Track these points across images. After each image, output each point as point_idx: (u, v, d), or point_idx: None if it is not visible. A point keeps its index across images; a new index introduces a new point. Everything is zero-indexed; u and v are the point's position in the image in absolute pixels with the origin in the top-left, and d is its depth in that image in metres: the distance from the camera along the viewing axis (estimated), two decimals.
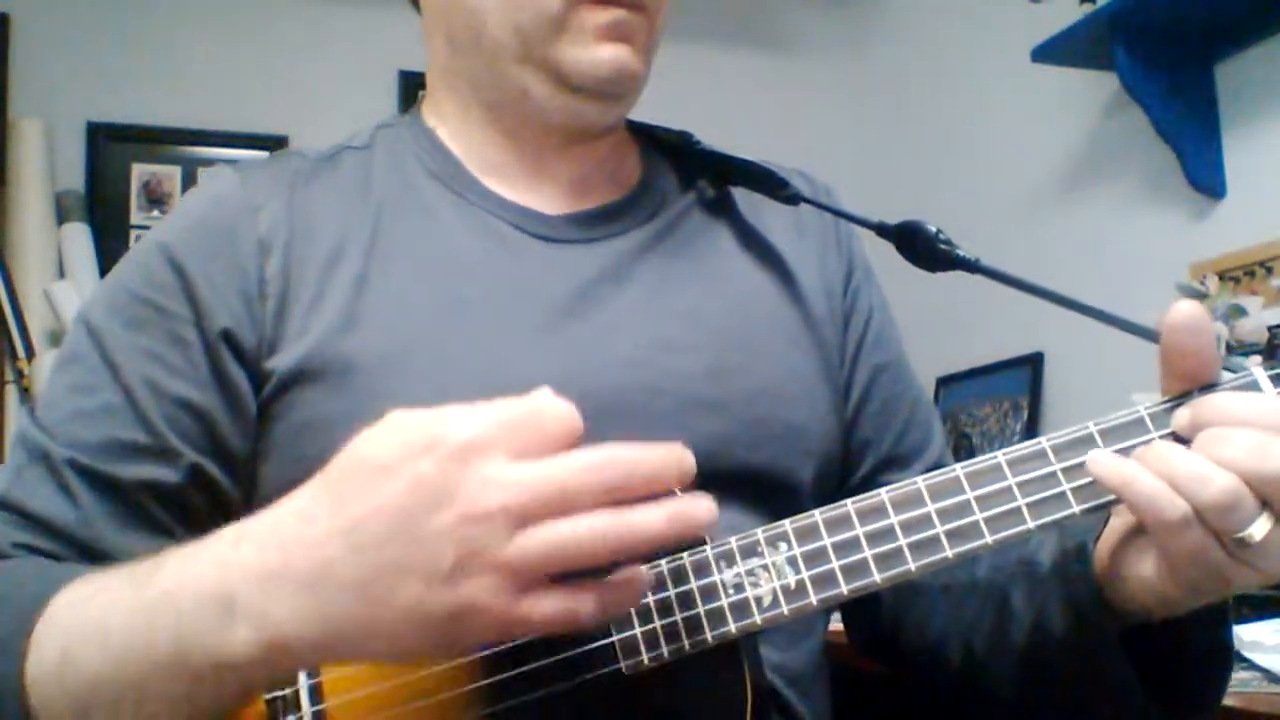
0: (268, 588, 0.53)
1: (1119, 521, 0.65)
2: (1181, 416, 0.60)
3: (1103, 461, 0.59)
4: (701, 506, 0.53)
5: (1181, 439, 0.59)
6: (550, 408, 0.54)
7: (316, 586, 0.52)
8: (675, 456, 0.54)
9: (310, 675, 0.63)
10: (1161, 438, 0.60)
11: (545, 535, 0.51)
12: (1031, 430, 2.13)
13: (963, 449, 2.24)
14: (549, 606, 0.52)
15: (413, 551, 0.51)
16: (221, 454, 0.73)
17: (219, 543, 0.57)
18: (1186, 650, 0.66)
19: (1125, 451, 0.60)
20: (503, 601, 0.51)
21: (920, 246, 0.80)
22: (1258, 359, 1.55)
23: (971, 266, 0.78)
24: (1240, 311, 1.62)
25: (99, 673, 0.57)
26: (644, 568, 0.65)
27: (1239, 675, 1.06)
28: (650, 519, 0.52)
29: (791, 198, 0.85)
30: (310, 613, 0.52)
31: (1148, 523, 0.58)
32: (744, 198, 0.88)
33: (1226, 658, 0.68)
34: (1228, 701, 0.92)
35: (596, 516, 0.52)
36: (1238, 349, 1.59)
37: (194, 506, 0.73)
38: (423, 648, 0.54)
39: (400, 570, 0.51)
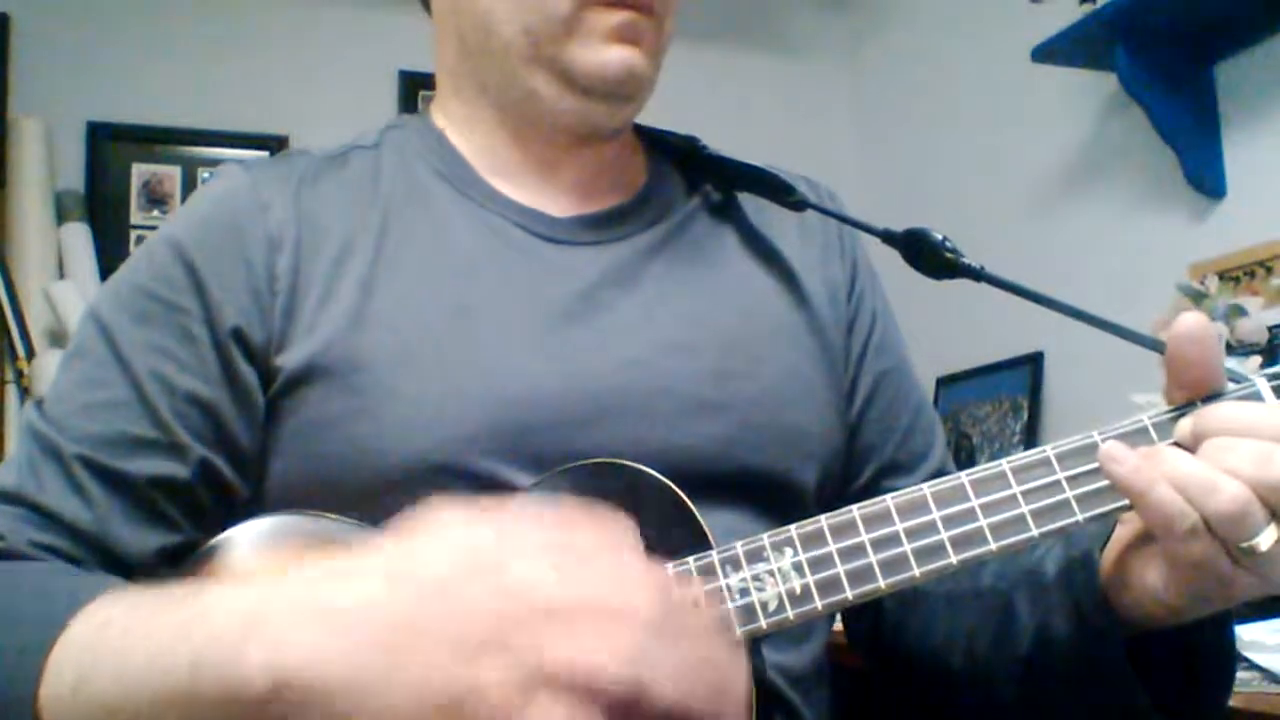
0: (296, 616, 0.51)
1: (1124, 530, 0.65)
2: (1184, 426, 0.60)
3: (1125, 461, 0.58)
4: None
5: (1184, 449, 0.60)
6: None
7: (344, 626, 0.50)
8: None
9: None
10: (1166, 445, 0.60)
11: (578, 645, 0.47)
12: (1032, 430, 2.13)
13: (963, 449, 2.24)
14: (555, 717, 0.47)
15: (448, 618, 0.48)
16: (230, 450, 0.73)
17: (268, 573, 0.56)
18: (1189, 656, 0.66)
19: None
20: (511, 697, 0.47)
21: (926, 254, 0.80)
22: (1258, 359, 1.55)
23: (977, 275, 0.78)
24: (1240, 311, 1.62)
25: (113, 701, 0.56)
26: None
27: (1239, 675, 1.06)
28: (676, 688, 0.48)
29: (796, 203, 0.86)
30: (328, 650, 0.50)
31: (1158, 530, 0.58)
32: (749, 203, 0.88)
33: (1230, 663, 0.68)
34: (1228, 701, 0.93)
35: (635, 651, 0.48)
36: (1238, 349, 1.60)
37: (204, 503, 0.73)
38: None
39: (430, 633, 0.48)
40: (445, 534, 0.52)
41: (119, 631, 0.57)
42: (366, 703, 0.48)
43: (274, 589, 0.54)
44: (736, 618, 0.63)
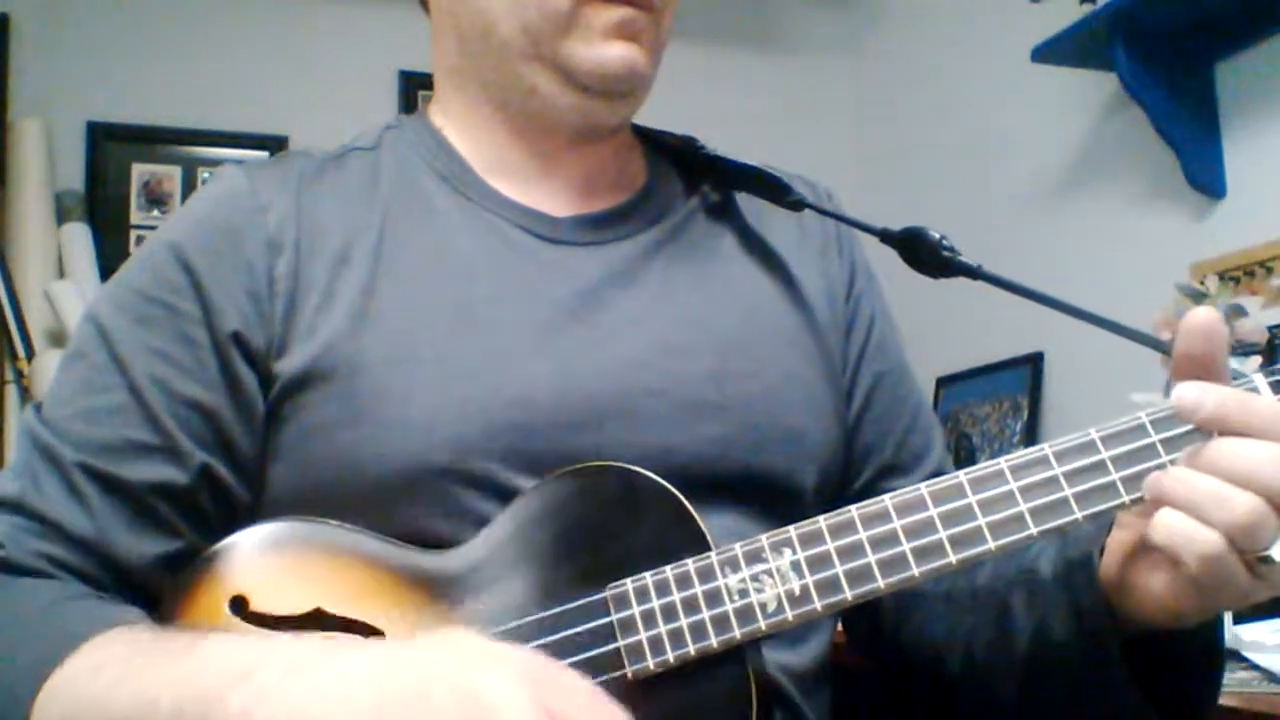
0: (283, 675, 0.55)
1: (1124, 534, 0.65)
2: (1204, 407, 0.58)
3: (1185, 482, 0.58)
4: None
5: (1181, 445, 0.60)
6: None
7: (326, 692, 0.54)
8: None
9: None
10: (1162, 442, 0.60)
11: None
12: (1031, 430, 2.13)
13: (963, 449, 2.24)
14: None
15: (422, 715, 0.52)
16: (230, 455, 0.73)
17: (279, 637, 0.61)
18: (1181, 655, 0.67)
19: (1132, 462, 0.60)
20: None
21: (923, 253, 0.80)
22: (1258, 359, 1.55)
23: (975, 273, 0.78)
24: (1240, 311, 1.62)
25: None
26: (648, 574, 0.65)
27: (1239, 675, 1.07)
28: None
29: (795, 203, 0.85)
30: (307, 711, 0.54)
31: (1179, 554, 0.58)
32: (747, 203, 0.88)
33: (1220, 661, 0.68)
34: (1228, 702, 0.93)
35: None
36: (1238, 349, 1.59)
37: (204, 509, 0.73)
38: None
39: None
40: (458, 651, 0.55)
41: (111, 679, 0.60)
42: None
43: (269, 651, 0.57)
44: (736, 619, 0.63)
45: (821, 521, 0.64)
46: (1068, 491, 0.61)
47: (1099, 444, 0.61)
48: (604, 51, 0.76)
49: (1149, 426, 0.61)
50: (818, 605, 0.63)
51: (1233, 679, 1.05)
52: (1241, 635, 1.11)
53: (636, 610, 0.65)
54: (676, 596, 0.64)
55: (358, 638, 0.64)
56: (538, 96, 0.79)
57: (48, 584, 0.69)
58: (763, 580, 0.64)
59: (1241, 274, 1.75)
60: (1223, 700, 0.74)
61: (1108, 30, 1.79)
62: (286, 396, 0.73)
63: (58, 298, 2.12)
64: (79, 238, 2.24)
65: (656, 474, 0.68)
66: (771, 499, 0.77)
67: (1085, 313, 0.74)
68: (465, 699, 0.52)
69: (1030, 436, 2.12)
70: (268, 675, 0.55)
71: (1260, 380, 0.61)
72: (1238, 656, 1.10)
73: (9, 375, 2.14)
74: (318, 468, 0.72)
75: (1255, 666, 1.08)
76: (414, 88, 2.44)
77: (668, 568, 0.65)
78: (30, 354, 2.11)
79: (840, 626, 0.90)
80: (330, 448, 0.72)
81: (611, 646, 0.64)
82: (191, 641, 0.60)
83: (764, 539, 0.64)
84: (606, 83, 0.78)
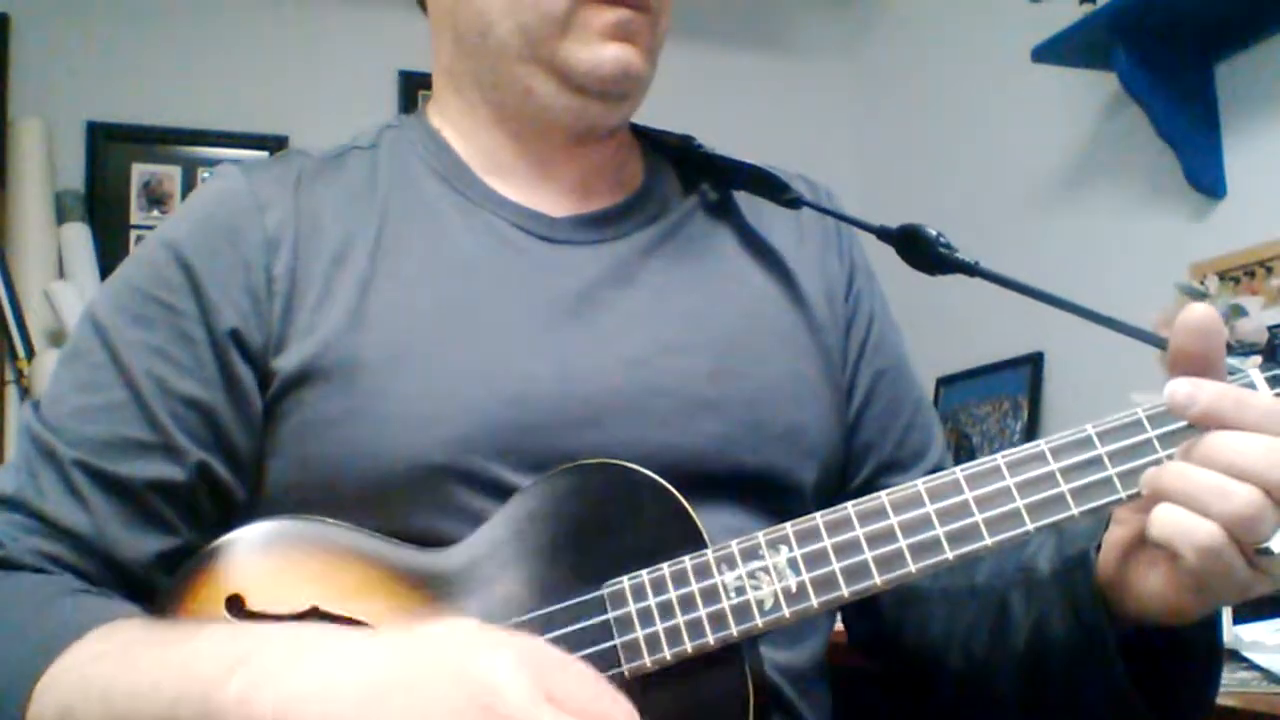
0: (283, 661, 0.55)
1: (1121, 530, 0.65)
2: (1198, 402, 0.58)
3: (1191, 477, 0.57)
4: None
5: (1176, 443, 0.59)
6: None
7: (328, 677, 0.54)
8: None
9: None
10: (1158, 438, 0.60)
11: None
12: (1031, 430, 2.13)
13: (963, 449, 2.24)
14: None
15: (424, 703, 0.52)
16: (228, 452, 0.73)
17: (279, 624, 0.61)
18: (1180, 653, 0.66)
19: (1128, 458, 0.60)
20: None
21: (921, 250, 0.80)
22: (1257, 359, 1.55)
23: (972, 270, 0.78)
24: (1240, 311, 1.62)
25: None
26: (644, 572, 0.65)
27: (1239, 675, 1.07)
28: None
29: (793, 202, 0.85)
30: (307, 694, 0.53)
31: (1178, 547, 0.57)
32: (746, 202, 0.88)
33: (1218, 658, 0.68)
34: (1228, 702, 0.93)
35: None
36: (1238, 349, 1.59)
37: (201, 506, 0.73)
38: None
39: (403, 707, 0.52)
40: (458, 636, 0.55)
41: (111, 668, 0.60)
42: None
43: (268, 637, 0.57)
44: (733, 617, 0.63)
45: (818, 518, 0.64)
46: (1064, 487, 0.61)
47: (1095, 440, 0.61)
48: (601, 53, 0.76)
49: (1145, 422, 0.61)
50: (814, 602, 0.63)
51: (1233, 679, 1.05)
52: (1241, 635, 1.11)
53: (633, 608, 0.65)
54: (673, 594, 0.64)
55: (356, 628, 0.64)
56: (534, 98, 0.79)
57: (46, 579, 0.69)
58: (759, 577, 0.63)
59: (1241, 274, 1.75)
60: (1223, 700, 0.74)
61: (1108, 30, 1.78)
62: (284, 394, 0.73)
63: (58, 298, 2.12)
64: (79, 238, 2.24)
65: (655, 472, 0.68)
66: (771, 497, 0.77)
67: (1084, 309, 0.74)
68: (466, 683, 0.52)
69: (1030, 436, 2.12)
70: (267, 660, 0.55)
71: (1256, 375, 0.61)
72: (1238, 656, 1.10)
73: (9, 375, 2.14)
74: (315, 465, 0.72)
75: (1255, 666, 1.08)
76: (414, 88, 2.45)
77: (664, 565, 0.65)
78: (30, 354, 2.11)
79: (839, 625, 0.90)
80: (328, 446, 0.72)
81: (608, 644, 0.64)
82: (191, 630, 0.61)
83: (760, 536, 0.64)
84: (603, 84, 0.78)
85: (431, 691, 0.52)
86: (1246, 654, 1.10)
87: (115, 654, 0.61)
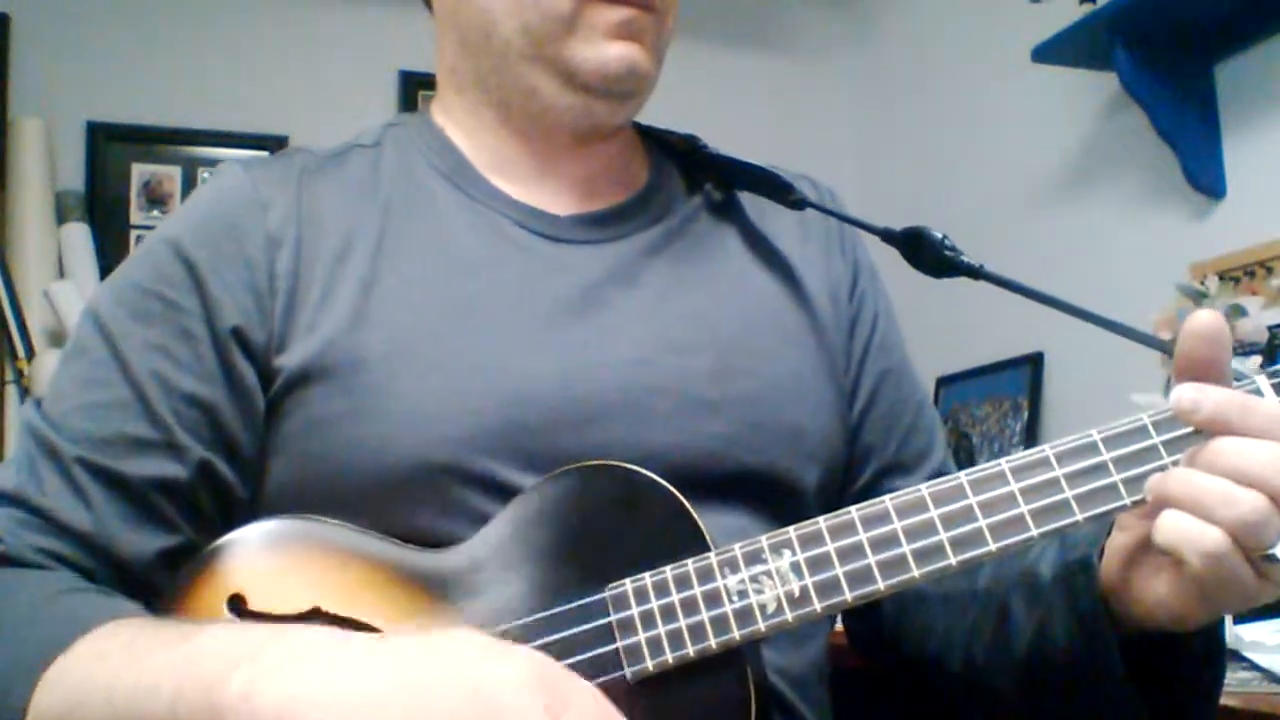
0: (285, 660, 0.55)
1: (1125, 536, 0.65)
2: (1190, 402, 0.58)
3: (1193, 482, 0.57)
4: None
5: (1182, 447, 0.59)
6: None
7: (328, 678, 0.54)
8: None
9: None
10: (1164, 444, 0.60)
11: None
12: (1031, 430, 2.13)
13: (963, 449, 2.24)
14: None
15: (425, 707, 0.52)
16: (229, 450, 0.73)
17: (282, 624, 0.61)
18: (1182, 659, 0.66)
19: (1133, 464, 0.60)
20: None
21: (926, 253, 0.80)
22: (1258, 359, 1.55)
23: (976, 273, 0.78)
24: (1240, 311, 1.62)
25: None
26: (647, 574, 0.65)
27: (1239, 675, 1.07)
28: None
29: (797, 202, 0.85)
30: (308, 693, 0.53)
31: (1183, 553, 0.57)
32: (750, 202, 0.88)
33: (1221, 663, 0.68)
34: (1228, 702, 0.93)
35: None
36: (1238, 349, 1.59)
37: (202, 504, 0.73)
38: None
39: (404, 709, 0.53)
40: (467, 648, 0.55)
41: (113, 665, 0.60)
42: None
43: (271, 636, 0.57)
44: (735, 620, 0.63)
45: (821, 522, 0.64)
46: (1069, 493, 0.61)
47: (1100, 445, 0.61)
48: (606, 51, 0.76)
49: (1151, 428, 0.61)
50: (817, 607, 0.63)
51: (1233, 679, 1.05)
52: (1242, 635, 1.11)
53: (635, 611, 0.64)
54: (675, 597, 0.64)
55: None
56: (538, 97, 0.79)
57: (47, 576, 0.69)
58: (762, 581, 0.63)
59: (1241, 274, 1.75)
60: (1223, 700, 0.74)
61: (1108, 30, 1.78)
62: (286, 392, 0.73)
63: (58, 298, 2.12)
64: (79, 238, 2.24)
65: (657, 473, 0.68)
66: (773, 498, 0.77)
67: (1086, 312, 0.74)
68: (473, 697, 0.52)
69: (1030, 437, 2.12)
70: (269, 659, 0.55)
71: (1263, 381, 0.60)
72: (1238, 656, 1.10)
73: (9, 375, 2.14)
74: (317, 464, 0.72)
75: (1255, 666, 1.08)
76: (414, 88, 2.44)
77: (667, 568, 0.65)
78: (30, 354, 2.11)
79: (840, 628, 0.90)
80: (330, 444, 0.72)
81: (610, 647, 0.64)
82: (193, 629, 0.60)
83: (763, 540, 0.64)
84: (608, 83, 0.77)
85: (436, 702, 0.52)
86: (1246, 654, 1.10)
87: (117, 652, 0.61)
